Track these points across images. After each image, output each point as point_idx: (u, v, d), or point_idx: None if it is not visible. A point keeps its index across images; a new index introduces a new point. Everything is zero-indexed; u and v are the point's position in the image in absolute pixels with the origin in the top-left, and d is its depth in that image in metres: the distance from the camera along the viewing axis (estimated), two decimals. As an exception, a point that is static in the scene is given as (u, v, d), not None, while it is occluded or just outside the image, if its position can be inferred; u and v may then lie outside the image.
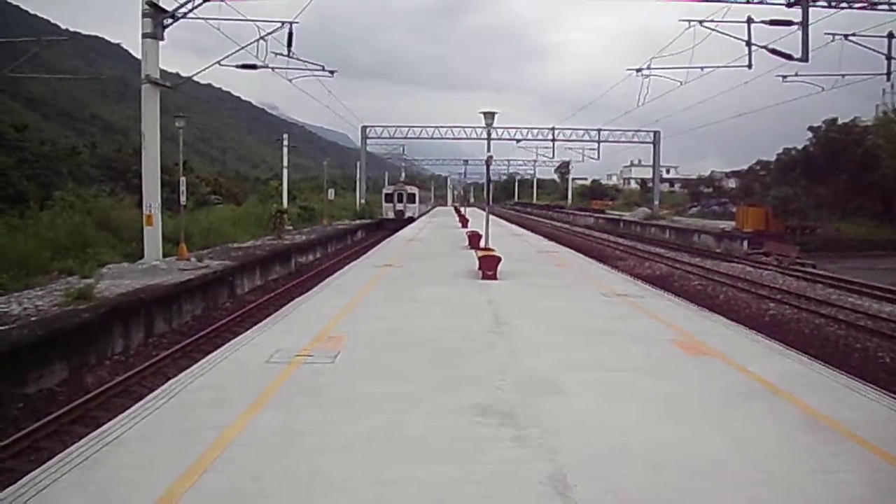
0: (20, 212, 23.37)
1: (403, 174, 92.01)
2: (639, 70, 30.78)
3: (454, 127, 66.74)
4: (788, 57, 21.52)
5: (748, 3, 22.28)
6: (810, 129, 54.47)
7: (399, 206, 58.12)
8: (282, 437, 5.81)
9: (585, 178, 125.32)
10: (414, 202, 59.56)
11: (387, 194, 60.94)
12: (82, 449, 5.51)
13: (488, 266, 16.74)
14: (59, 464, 5.22)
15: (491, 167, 24.42)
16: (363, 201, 64.86)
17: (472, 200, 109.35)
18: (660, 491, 4.88)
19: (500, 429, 6.07)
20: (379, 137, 68.71)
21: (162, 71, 20.57)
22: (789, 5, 21.33)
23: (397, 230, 41.05)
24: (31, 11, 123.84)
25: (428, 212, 72.88)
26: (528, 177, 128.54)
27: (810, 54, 21.02)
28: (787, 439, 5.91)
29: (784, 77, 26.66)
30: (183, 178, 22.39)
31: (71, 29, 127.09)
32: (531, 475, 5.07)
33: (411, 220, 53.67)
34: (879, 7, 22.08)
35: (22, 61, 24.15)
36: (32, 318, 11.93)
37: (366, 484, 4.93)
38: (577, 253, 27.55)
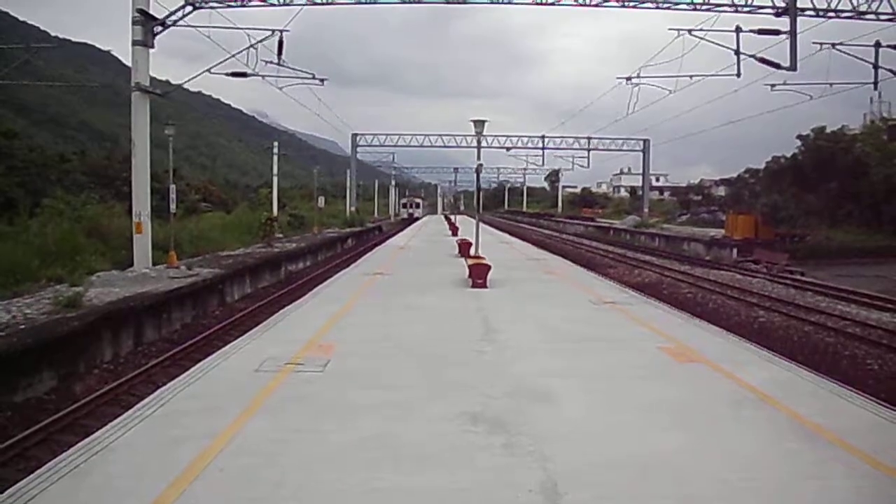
0: (9, 219, 23.23)
1: (394, 182, 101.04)
2: (628, 79, 30.99)
3: (444, 135, 67.39)
4: (777, 66, 21.73)
5: (737, 12, 22.50)
6: (799, 137, 54.68)
7: (410, 210, 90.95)
8: (272, 445, 5.80)
9: (575, 187, 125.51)
10: (419, 208, 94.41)
11: (403, 203, 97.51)
12: (72, 457, 5.49)
13: (478, 274, 16.76)
14: (49, 472, 5.20)
15: (481, 175, 24.47)
16: (353, 209, 64.88)
17: (462, 208, 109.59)
18: (650, 498, 4.91)
19: (491, 436, 6.08)
20: (369, 145, 68.94)
21: (152, 78, 20.59)
22: (777, 15, 21.52)
23: (402, 229, 56.50)
24: (21, 18, 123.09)
25: (426, 215, 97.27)
26: (518, 185, 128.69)
27: (798, 63, 21.25)
28: (776, 446, 5.95)
29: (773, 86, 26.91)
30: (172, 186, 22.31)
31: (61, 36, 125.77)
32: (522, 483, 5.09)
33: (418, 218, 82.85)
34: (866, 17, 22.30)
35: (12, 68, 24.15)
36: (21, 326, 11.85)
37: (356, 492, 4.93)
38: (566, 261, 27.61)
